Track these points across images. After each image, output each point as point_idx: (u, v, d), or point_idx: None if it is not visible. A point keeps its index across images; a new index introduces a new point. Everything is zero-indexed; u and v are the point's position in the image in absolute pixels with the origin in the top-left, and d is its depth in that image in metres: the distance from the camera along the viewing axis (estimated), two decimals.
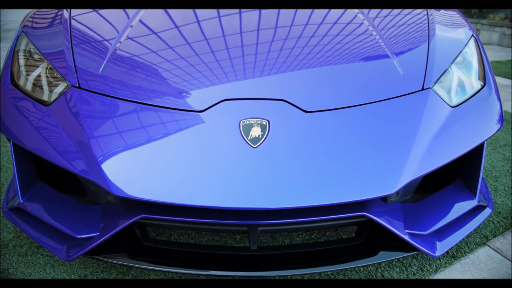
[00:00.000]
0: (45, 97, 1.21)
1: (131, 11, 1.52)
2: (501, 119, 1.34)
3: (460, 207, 1.28)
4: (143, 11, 1.51)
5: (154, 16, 1.49)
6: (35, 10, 1.63)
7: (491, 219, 1.70)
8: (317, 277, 1.36)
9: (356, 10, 1.56)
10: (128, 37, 1.35)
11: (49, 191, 1.29)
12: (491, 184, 1.99)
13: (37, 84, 1.26)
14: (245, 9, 1.59)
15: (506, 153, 2.36)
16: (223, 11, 1.57)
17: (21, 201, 1.25)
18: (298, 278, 1.35)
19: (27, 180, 1.29)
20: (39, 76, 1.28)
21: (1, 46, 5.28)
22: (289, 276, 1.34)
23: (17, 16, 8.22)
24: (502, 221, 1.69)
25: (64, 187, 1.35)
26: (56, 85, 1.23)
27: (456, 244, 1.48)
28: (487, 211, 1.39)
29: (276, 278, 1.33)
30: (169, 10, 1.55)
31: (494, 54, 5.78)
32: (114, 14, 1.53)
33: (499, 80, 4.16)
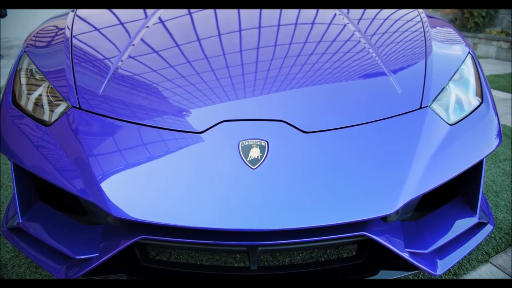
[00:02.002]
0: (45, 117, 1.22)
1: (132, 30, 1.54)
2: (500, 135, 1.35)
3: (461, 225, 1.28)
4: (144, 29, 1.54)
5: (155, 35, 1.51)
6: (38, 29, 1.66)
7: (492, 235, 1.69)
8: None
9: (353, 28, 1.58)
10: (129, 56, 1.37)
11: (49, 211, 1.29)
12: (491, 200, 1.99)
13: (38, 104, 1.27)
14: (243, 16, 1.62)
15: (506, 168, 2.35)
16: (223, 29, 1.60)
17: (21, 221, 1.24)
18: None
19: (27, 200, 1.29)
20: (40, 96, 1.29)
21: (2, 63, 5.34)
22: None
23: (20, 33, 8.33)
24: (504, 237, 1.68)
25: (64, 207, 1.35)
26: (57, 105, 1.24)
27: (458, 262, 1.47)
28: (488, 228, 1.38)
29: None
30: (170, 28, 1.58)
31: (492, 68, 5.83)
32: (116, 33, 1.55)
33: (498, 93, 4.19)
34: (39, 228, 1.23)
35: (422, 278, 1.38)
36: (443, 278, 1.39)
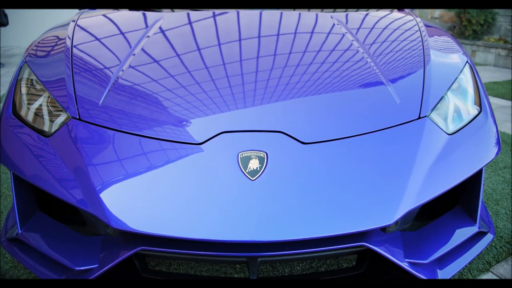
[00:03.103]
0: (45, 128, 1.23)
1: (133, 40, 1.55)
2: (499, 144, 1.35)
3: (461, 234, 1.28)
4: (145, 39, 1.55)
5: (156, 45, 1.52)
6: (39, 39, 1.67)
7: (493, 244, 1.68)
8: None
9: (351, 38, 1.60)
10: (130, 66, 1.37)
11: (48, 222, 1.29)
12: (492, 208, 1.98)
13: (38, 114, 1.28)
14: (243, 25, 1.65)
15: (506, 176, 2.35)
16: (223, 39, 1.61)
17: (20, 232, 1.24)
18: None
19: (26, 211, 1.29)
20: (40, 106, 1.30)
21: (3, 71, 5.37)
22: None
23: (21, 41, 8.37)
24: (505, 246, 1.67)
25: (64, 217, 1.35)
26: (57, 116, 1.24)
27: (458, 271, 1.46)
28: (488, 237, 1.38)
29: None
30: (171, 38, 1.59)
31: (491, 75, 5.85)
32: (117, 43, 1.56)
33: (497, 101, 4.20)
34: (38, 239, 1.23)
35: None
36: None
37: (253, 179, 1.04)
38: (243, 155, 1.08)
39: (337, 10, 2.11)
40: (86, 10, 2.06)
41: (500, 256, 1.61)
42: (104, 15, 1.87)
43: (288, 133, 1.14)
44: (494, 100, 4.19)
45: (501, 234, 1.76)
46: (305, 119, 1.19)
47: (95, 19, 1.82)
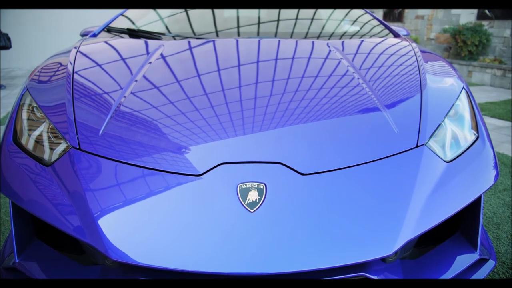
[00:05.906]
0: (45, 157, 1.23)
1: (134, 66, 1.58)
2: (497, 169, 1.35)
3: (461, 262, 1.26)
4: (147, 65, 1.57)
5: (157, 72, 1.55)
6: (41, 66, 1.69)
7: (495, 270, 1.67)
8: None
9: (346, 63, 1.63)
10: (132, 93, 1.39)
11: (46, 251, 1.28)
12: (492, 232, 1.97)
13: (38, 142, 1.28)
14: (242, 50, 1.69)
15: (506, 198, 2.35)
16: (223, 65, 1.64)
17: (17, 261, 1.23)
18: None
19: (24, 239, 1.28)
20: (40, 134, 1.30)
21: (4, 94, 5.41)
22: None
23: (22, 63, 8.48)
24: (508, 272, 1.66)
25: (62, 245, 1.34)
26: (58, 144, 1.25)
27: None
28: (490, 264, 1.36)
29: None
30: (172, 65, 1.62)
31: (487, 95, 5.91)
32: (118, 69, 1.59)
33: (495, 121, 4.22)
34: (35, 268, 1.21)
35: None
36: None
37: (252, 211, 1.04)
38: (242, 186, 1.08)
39: (333, 36, 2.17)
40: (87, 37, 2.11)
41: None
42: (105, 42, 1.91)
43: (287, 164, 1.14)
44: (492, 121, 4.22)
45: (503, 259, 1.74)
46: (303, 149, 1.20)
47: (97, 46, 1.86)
